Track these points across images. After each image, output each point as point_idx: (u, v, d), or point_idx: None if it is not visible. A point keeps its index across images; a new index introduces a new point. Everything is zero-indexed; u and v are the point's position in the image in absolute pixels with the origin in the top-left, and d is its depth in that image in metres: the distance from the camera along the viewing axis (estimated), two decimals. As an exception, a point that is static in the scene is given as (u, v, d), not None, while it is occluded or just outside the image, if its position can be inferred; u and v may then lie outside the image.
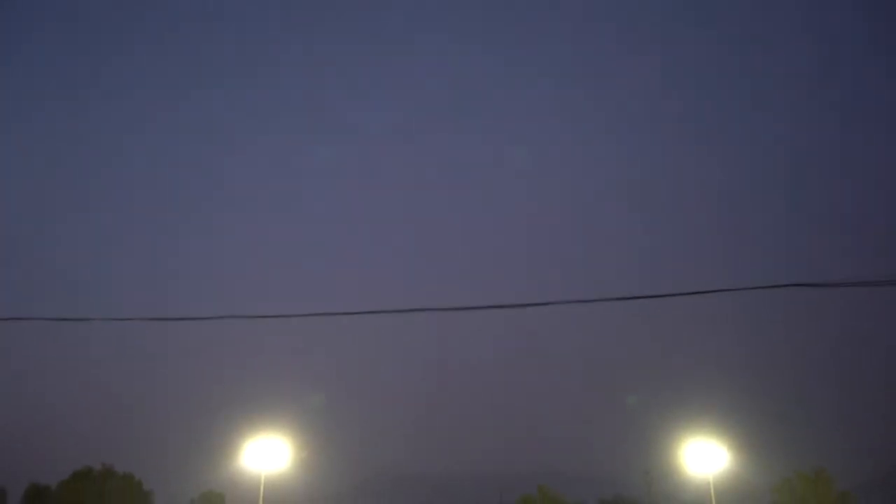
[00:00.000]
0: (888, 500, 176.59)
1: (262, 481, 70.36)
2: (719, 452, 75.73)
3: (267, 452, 70.68)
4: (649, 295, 11.51)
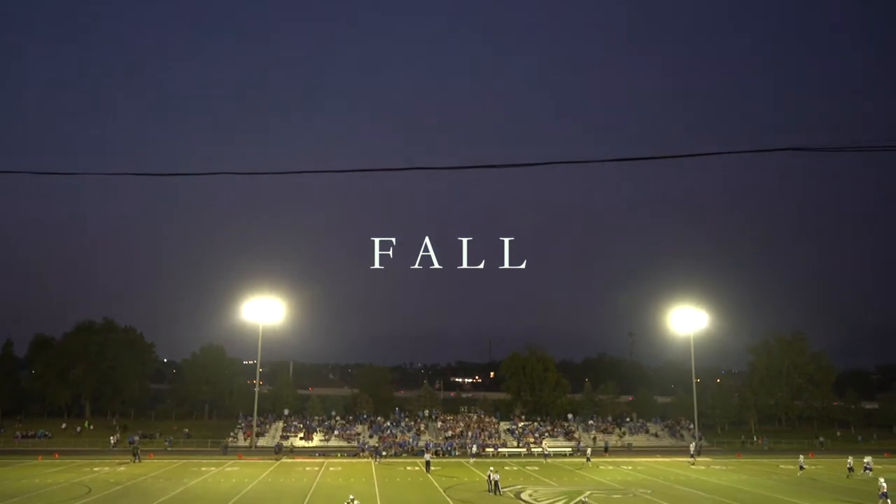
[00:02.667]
0: (858, 363, 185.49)
1: (261, 334, 73.63)
2: (700, 315, 78.99)
3: (264, 309, 73.37)
4: (644, 157, 11.60)
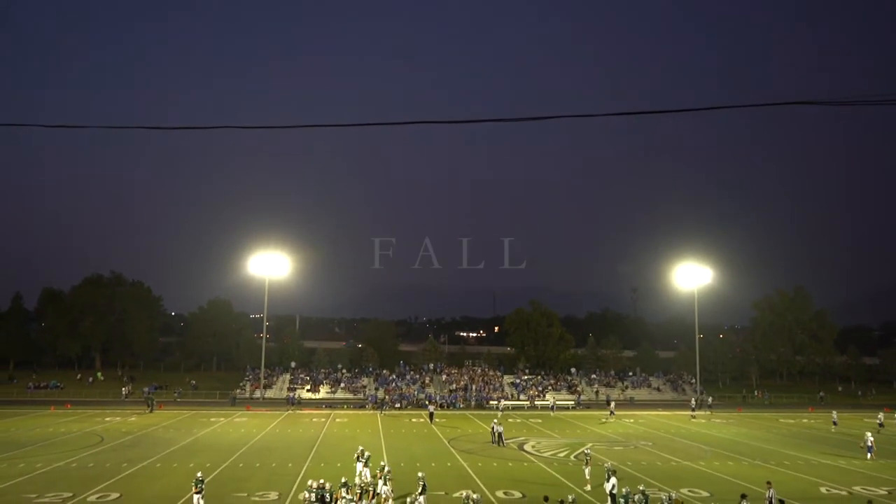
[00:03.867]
0: (861, 319, 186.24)
1: (267, 288, 74.18)
2: (704, 271, 79.16)
3: (270, 263, 73.76)
4: (650, 111, 11.50)
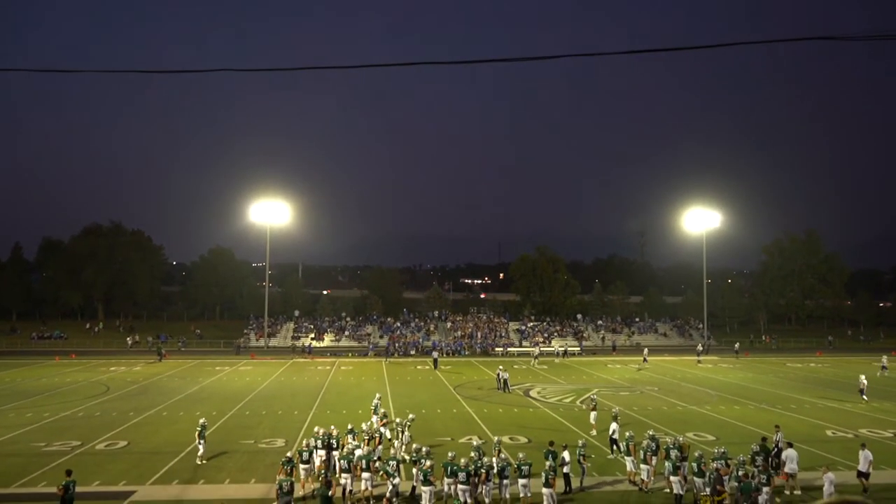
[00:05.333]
0: (871, 263, 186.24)
1: (269, 236, 74.33)
2: (712, 215, 78.87)
3: (271, 210, 73.72)
4: (665, 48, 11.20)
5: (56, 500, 17.74)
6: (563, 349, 67.63)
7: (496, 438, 23.20)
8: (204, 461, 23.97)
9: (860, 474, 20.66)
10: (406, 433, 25.12)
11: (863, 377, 39.00)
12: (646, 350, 61.78)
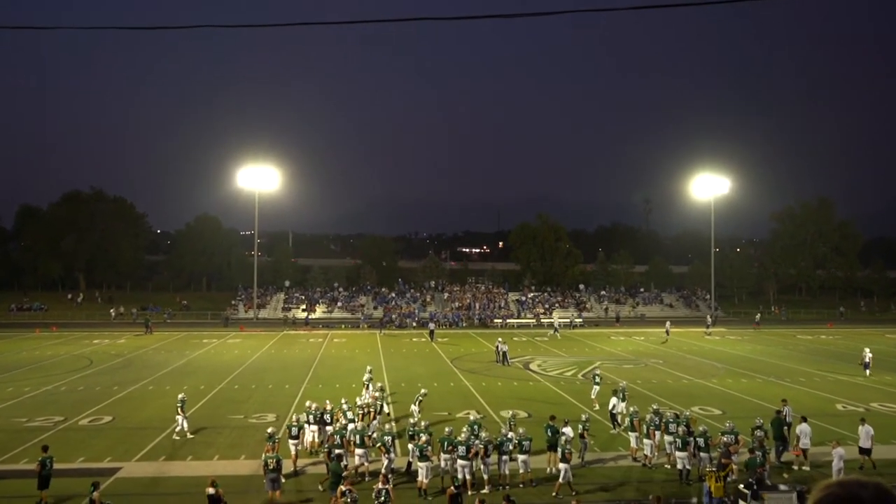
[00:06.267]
0: (885, 231, 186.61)
1: (257, 203, 74.04)
2: (721, 181, 78.64)
3: (260, 176, 73.35)
4: (673, 3, 10.99)
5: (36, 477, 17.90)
6: (568, 320, 67.50)
7: (510, 412, 23.43)
8: (190, 436, 24.17)
9: (862, 450, 20.85)
10: (416, 408, 25.70)
11: (867, 350, 39.05)
12: (668, 322, 60.71)
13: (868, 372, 37.79)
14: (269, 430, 20.65)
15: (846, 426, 25.46)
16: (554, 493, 18.85)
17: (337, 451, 19.62)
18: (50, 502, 17.82)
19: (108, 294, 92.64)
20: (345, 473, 17.80)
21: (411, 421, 24.47)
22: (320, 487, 19.09)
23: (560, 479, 18.82)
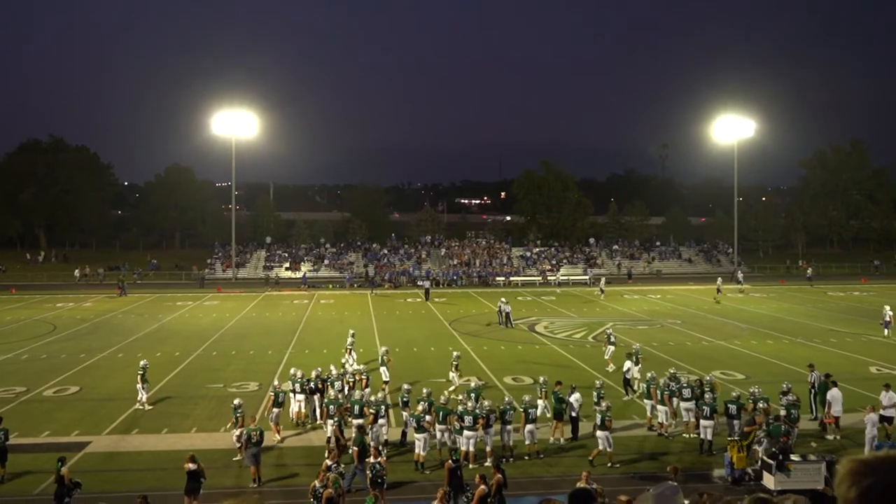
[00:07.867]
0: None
1: (234, 149, 73.44)
2: (745, 123, 77.94)
3: (236, 122, 72.61)
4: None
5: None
6: (596, 278, 65.55)
7: (542, 378, 23.12)
8: (148, 407, 24.31)
9: (883, 418, 20.46)
10: (455, 375, 26.76)
11: (888, 308, 38.70)
12: (719, 280, 59.59)
13: (887, 332, 37.71)
14: (236, 401, 20.55)
15: (881, 391, 25.59)
16: (590, 458, 19.28)
17: (356, 420, 19.64)
18: (8, 478, 17.94)
19: (72, 253, 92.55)
20: (331, 445, 17.86)
21: (451, 388, 24.82)
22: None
23: (600, 447, 19.23)
